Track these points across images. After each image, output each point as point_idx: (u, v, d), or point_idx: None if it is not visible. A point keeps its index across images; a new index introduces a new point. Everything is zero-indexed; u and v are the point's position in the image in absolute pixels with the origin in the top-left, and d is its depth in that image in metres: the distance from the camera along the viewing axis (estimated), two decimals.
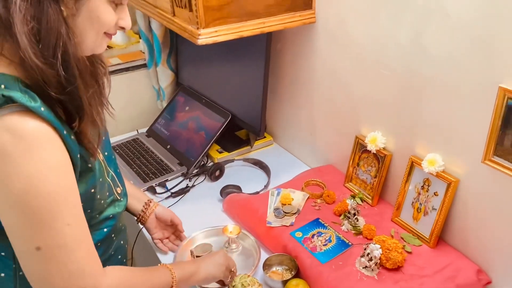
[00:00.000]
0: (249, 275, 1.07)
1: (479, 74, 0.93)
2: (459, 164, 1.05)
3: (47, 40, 0.70)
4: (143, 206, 1.18)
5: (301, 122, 1.58)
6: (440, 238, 1.13)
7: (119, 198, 0.99)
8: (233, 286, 1.05)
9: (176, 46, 1.91)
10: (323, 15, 1.31)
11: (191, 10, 1.16)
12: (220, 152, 1.68)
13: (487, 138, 0.94)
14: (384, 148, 1.24)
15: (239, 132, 1.78)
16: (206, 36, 1.17)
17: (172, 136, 1.77)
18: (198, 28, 1.15)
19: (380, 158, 1.25)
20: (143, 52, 1.97)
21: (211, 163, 1.64)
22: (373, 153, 1.26)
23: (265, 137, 1.74)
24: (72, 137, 0.78)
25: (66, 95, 0.74)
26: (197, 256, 1.15)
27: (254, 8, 1.21)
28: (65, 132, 0.75)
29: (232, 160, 1.63)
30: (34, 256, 0.73)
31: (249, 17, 1.21)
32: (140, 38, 1.98)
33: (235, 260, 1.13)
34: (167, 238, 1.24)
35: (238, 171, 1.61)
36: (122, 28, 0.82)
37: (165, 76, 1.94)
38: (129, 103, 1.99)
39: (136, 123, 1.96)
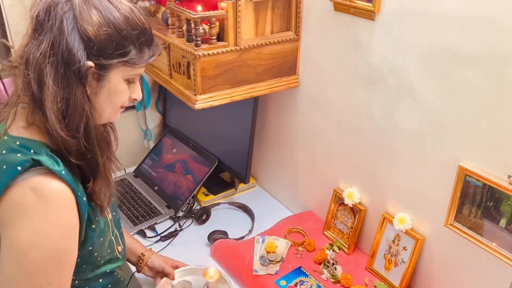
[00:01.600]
0: None
1: (442, 152, 1.09)
2: (425, 225, 1.19)
3: (73, 116, 0.82)
4: (138, 260, 1.28)
5: (284, 170, 1.71)
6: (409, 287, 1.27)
7: (119, 256, 1.08)
8: None
9: (165, 91, 2.02)
10: (305, 80, 1.45)
11: (189, 77, 1.28)
12: (206, 195, 1.78)
13: (449, 206, 1.09)
14: (359, 203, 1.38)
15: (223, 174, 1.90)
16: (203, 101, 1.28)
17: (159, 178, 1.86)
18: (195, 94, 1.27)
19: (356, 212, 1.39)
20: None
21: (198, 206, 1.74)
22: (350, 206, 1.40)
23: None
24: (84, 198, 0.88)
25: (85, 161, 0.86)
26: None
27: (245, 76, 1.34)
28: (79, 193, 0.85)
29: (218, 204, 1.74)
30: None
31: (241, 84, 1.34)
32: None
33: None
34: None
35: (223, 214, 1.72)
36: (135, 100, 0.94)
37: (153, 118, 2.04)
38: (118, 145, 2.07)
39: (123, 162, 2.02)
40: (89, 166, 0.87)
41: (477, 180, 1.01)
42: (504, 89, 0.93)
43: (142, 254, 1.28)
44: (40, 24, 0.80)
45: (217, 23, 1.25)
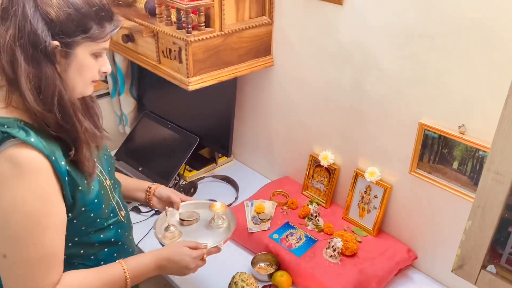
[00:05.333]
0: (245, 272, 1.36)
1: (405, 112, 1.32)
2: (392, 174, 1.44)
3: (46, 92, 0.90)
4: (146, 194, 1.35)
5: (260, 142, 1.90)
6: (380, 229, 1.52)
7: (123, 220, 1.17)
8: (235, 282, 1.33)
9: (138, 77, 2.12)
10: (279, 60, 1.63)
11: (181, 62, 1.42)
12: (190, 171, 1.93)
13: (412, 156, 1.33)
14: (334, 163, 1.60)
15: (202, 151, 2.05)
16: (195, 83, 1.43)
17: (142, 159, 1.97)
18: (188, 77, 1.41)
19: (331, 171, 1.61)
20: (105, 82, 2.14)
21: (184, 182, 1.89)
22: (325, 167, 1.62)
23: None
24: (63, 162, 0.94)
25: (64, 132, 0.94)
26: (182, 220, 1.32)
27: (229, 59, 1.50)
28: (53, 158, 0.91)
29: (203, 178, 1.90)
30: (1, 261, 0.91)
31: (226, 65, 1.50)
32: None
33: (220, 236, 1.28)
34: None
35: (209, 186, 1.88)
36: (105, 73, 1.01)
37: (128, 103, 2.13)
38: None
39: None
40: (69, 136, 0.95)
41: (434, 132, 1.26)
42: (451, 59, 1.16)
43: (149, 187, 1.34)
44: (6, 11, 0.87)
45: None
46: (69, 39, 0.90)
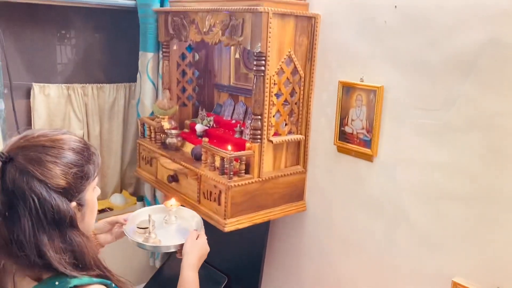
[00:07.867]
0: None
1: (437, 268, 1.33)
2: None
3: (81, 259, 0.89)
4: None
5: (289, 285, 1.87)
6: None
7: None
8: None
9: None
10: (311, 205, 1.71)
11: (219, 204, 1.51)
12: None
13: None
14: None
15: None
16: (231, 224, 1.50)
17: None
18: (225, 219, 1.49)
19: None
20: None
21: None
22: None
23: None
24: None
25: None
26: (139, 228, 1.27)
27: (264, 203, 1.59)
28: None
29: None
30: None
31: (261, 209, 1.58)
32: (137, 200, 2.29)
33: (174, 231, 1.32)
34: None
35: None
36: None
37: None
38: (122, 262, 2.18)
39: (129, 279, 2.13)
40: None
41: None
42: (483, 220, 1.21)
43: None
44: (12, 208, 0.84)
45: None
46: (82, 193, 0.92)
